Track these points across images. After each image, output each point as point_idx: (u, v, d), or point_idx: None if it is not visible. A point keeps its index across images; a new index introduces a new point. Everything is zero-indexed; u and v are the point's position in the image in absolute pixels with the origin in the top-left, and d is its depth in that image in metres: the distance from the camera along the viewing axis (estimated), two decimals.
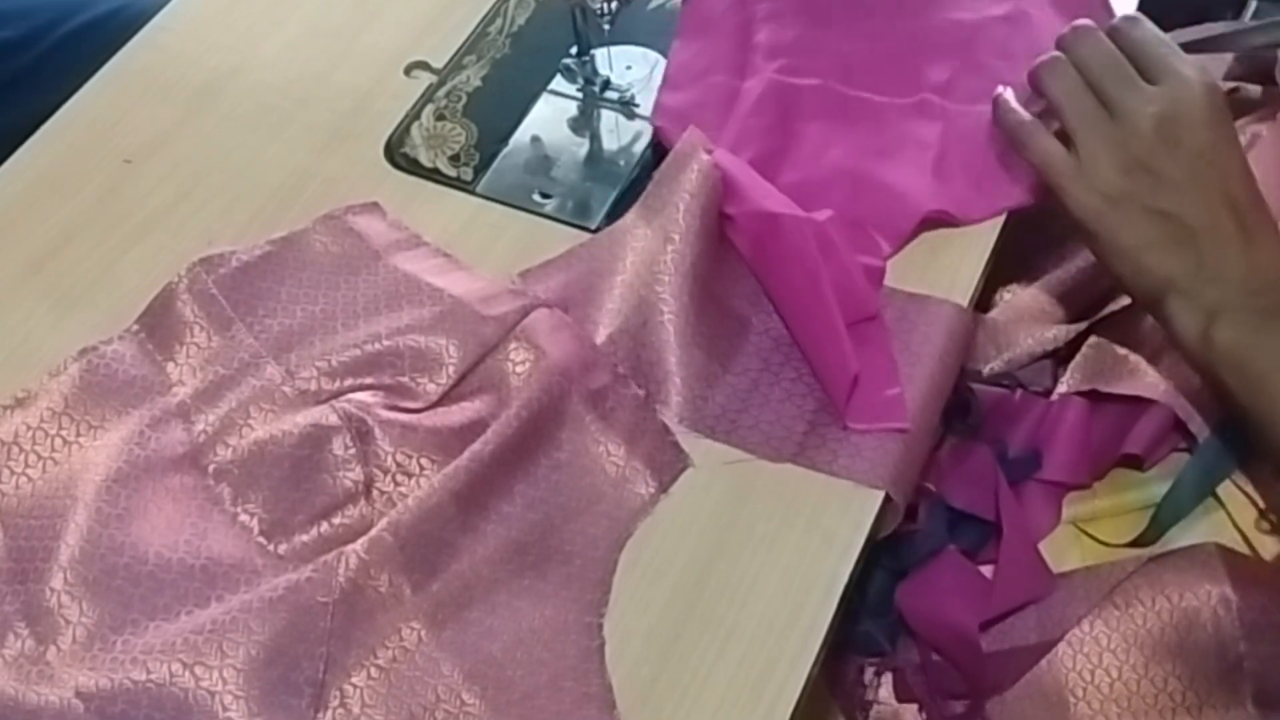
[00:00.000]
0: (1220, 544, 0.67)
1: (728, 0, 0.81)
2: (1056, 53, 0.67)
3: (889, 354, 0.66)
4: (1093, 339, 0.74)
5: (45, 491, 0.61)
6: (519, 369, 0.63)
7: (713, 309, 0.67)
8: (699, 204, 0.67)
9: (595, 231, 0.72)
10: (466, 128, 0.78)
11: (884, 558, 0.72)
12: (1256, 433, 0.63)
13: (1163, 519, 0.69)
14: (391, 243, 0.71)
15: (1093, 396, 0.73)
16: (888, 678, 0.74)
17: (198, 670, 0.54)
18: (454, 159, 0.77)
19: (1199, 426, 0.69)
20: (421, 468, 0.62)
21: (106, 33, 0.86)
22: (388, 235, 0.71)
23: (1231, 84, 0.80)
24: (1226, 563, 0.66)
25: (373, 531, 0.58)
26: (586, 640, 0.58)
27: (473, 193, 0.75)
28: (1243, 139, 0.76)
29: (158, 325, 0.68)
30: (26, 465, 0.63)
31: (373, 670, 0.57)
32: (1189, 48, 0.70)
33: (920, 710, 0.73)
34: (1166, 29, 0.77)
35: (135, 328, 0.68)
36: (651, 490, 0.63)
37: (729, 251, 0.69)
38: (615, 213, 0.72)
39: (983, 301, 0.74)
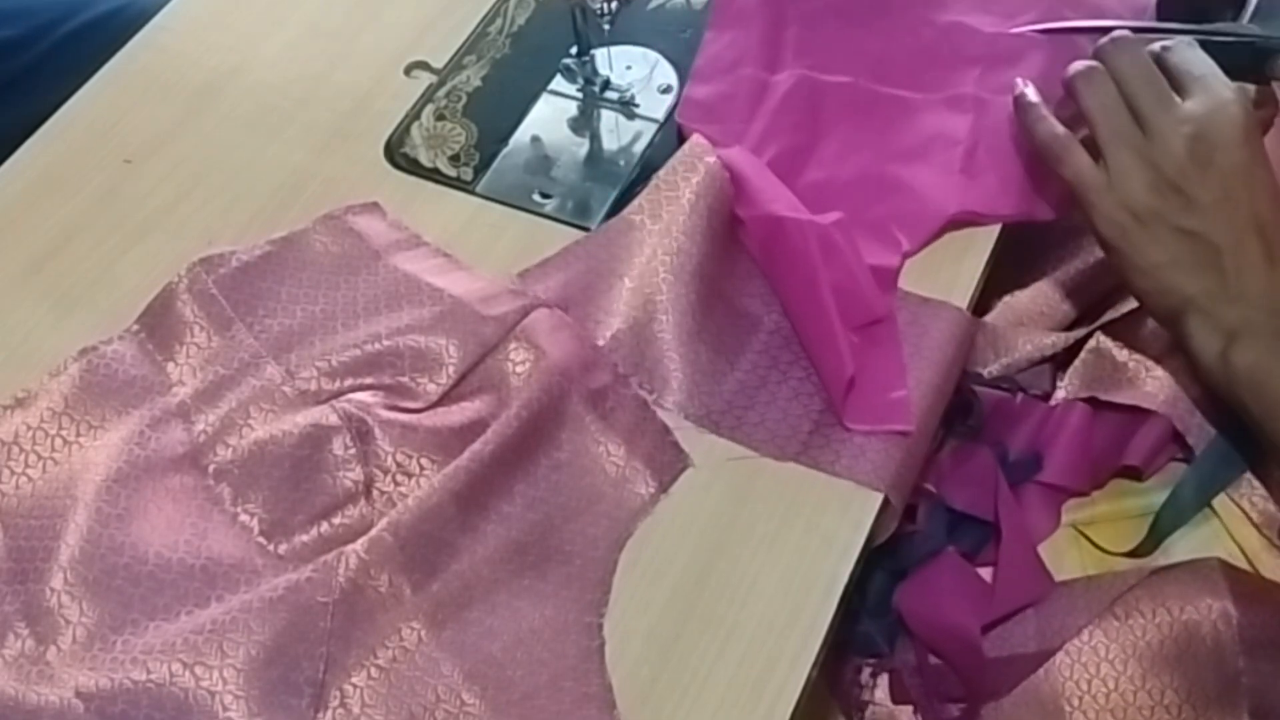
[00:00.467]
0: (1223, 559, 0.67)
1: None
2: (1093, 62, 0.66)
3: (898, 357, 0.66)
4: (1091, 344, 0.74)
5: (45, 491, 0.61)
6: (519, 369, 0.63)
7: (721, 307, 0.67)
8: (706, 204, 0.67)
9: None
10: (466, 128, 0.78)
11: (883, 559, 0.72)
12: (1274, 452, 0.64)
13: (1161, 528, 0.69)
14: (391, 243, 0.71)
15: (1093, 403, 0.73)
16: (884, 679, 0.74)
17: (198, 670, 0.54)
18: (454, 159, 0.77)
19: (1196, 438, 0.69)
20: (421, 468, 0.62)
21: (107, 32, 0.86)
22: (388, 235, 0.71)
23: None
24: (1229, 578, 0.66)
25: (373, 531, 0.58)
26: (586, 640, 0.58)
27: (473, 193, 0.75)
28: None
29: (158, 325, 0.68)
30: (26, 465, 0.63)
31: (373, 670, 0.57)
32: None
33: (916, 712, 0.73)
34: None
35: (135, 328, 0.68)
36: (651, 490, 0.63)
37: (742, 251, 0.69)
38: (615, 213, 0.72)
39: (981, 304, 0.74)
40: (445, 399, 0.64)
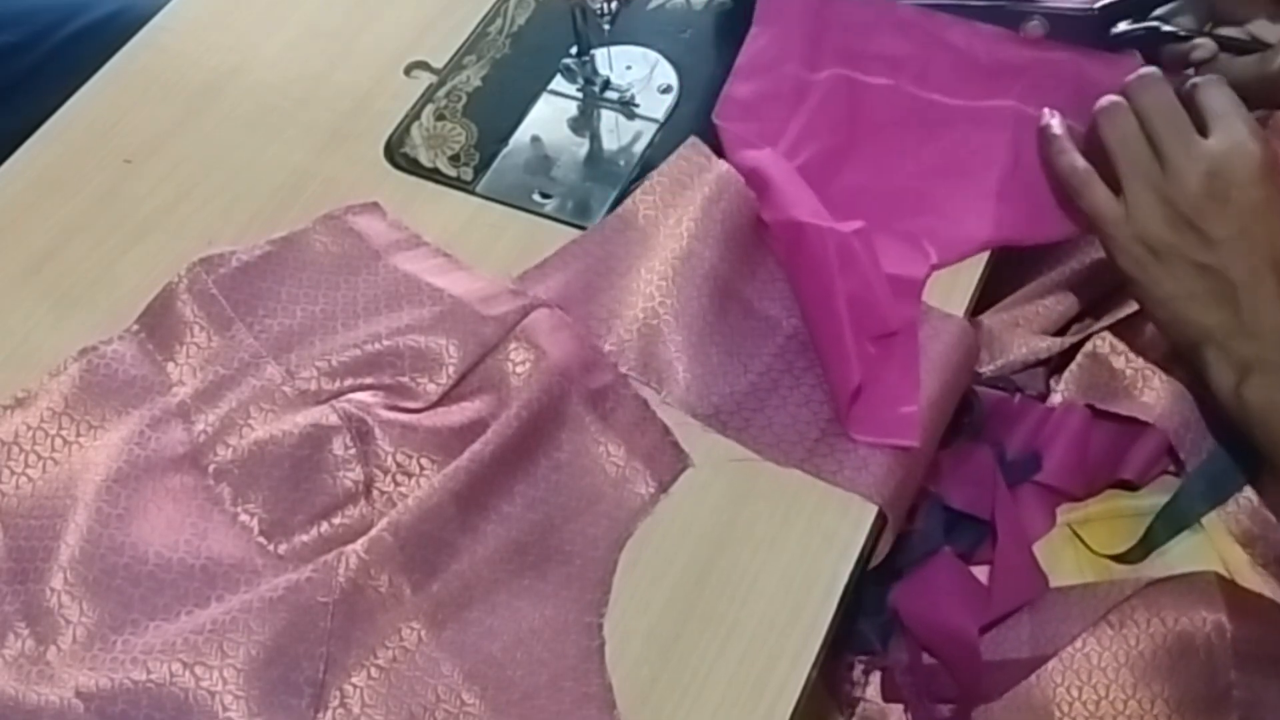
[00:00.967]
0: (1220, 574, 0.67)
1: None
2: (1118, 98, 0.67)
3: (914, 371, 0.65)
4: (1088, 349, 0.74)
5: (45, 491, 0.61)
6: (519, 369, 0.63)
7: (738, 309, 0.67)
8: (721, 209, 0.67)
9: None
10: (466, 128, 0.78)
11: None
12: None
13: (1154, 537, 0.70)
14: (391, 243, 0.71)
15: (1090, 409, 0.73)
16: (876, 676, 0.74)
17: (198, 670, 0.54)
18: (454, 159, 0.77)
19: (1189, 453, 0.69)
20: (421, 468, 0.62)
21: (106, 36, 0.85)
22: (388, 235, 0.71)
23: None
24: (1225, 591, 0.66)
25: (373, 531, 0.58)
26: (586, 640, 0.58)
27: (473, 193, 0.75)
28: None
29: (158, 325, 0.68)
30: (26, 465, 0.63)
31: (373, 670, 0.57)
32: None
33: (906, 711, 0.73)
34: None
35: (135, 328, 0.68)
36: (651, 490, 0.63)
37: (766, 255, 0.69)
38: None
39: (980, 304, 0.74)
40: (445, 399, 0.64)
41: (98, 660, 0.56)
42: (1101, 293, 0.81)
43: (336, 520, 0.61)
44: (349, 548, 0.58)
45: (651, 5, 0.84)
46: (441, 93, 0.80)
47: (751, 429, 0.64)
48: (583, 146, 0.78)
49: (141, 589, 0.58)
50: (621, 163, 0.77)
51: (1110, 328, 0.75)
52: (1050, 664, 0.68)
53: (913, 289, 0.68)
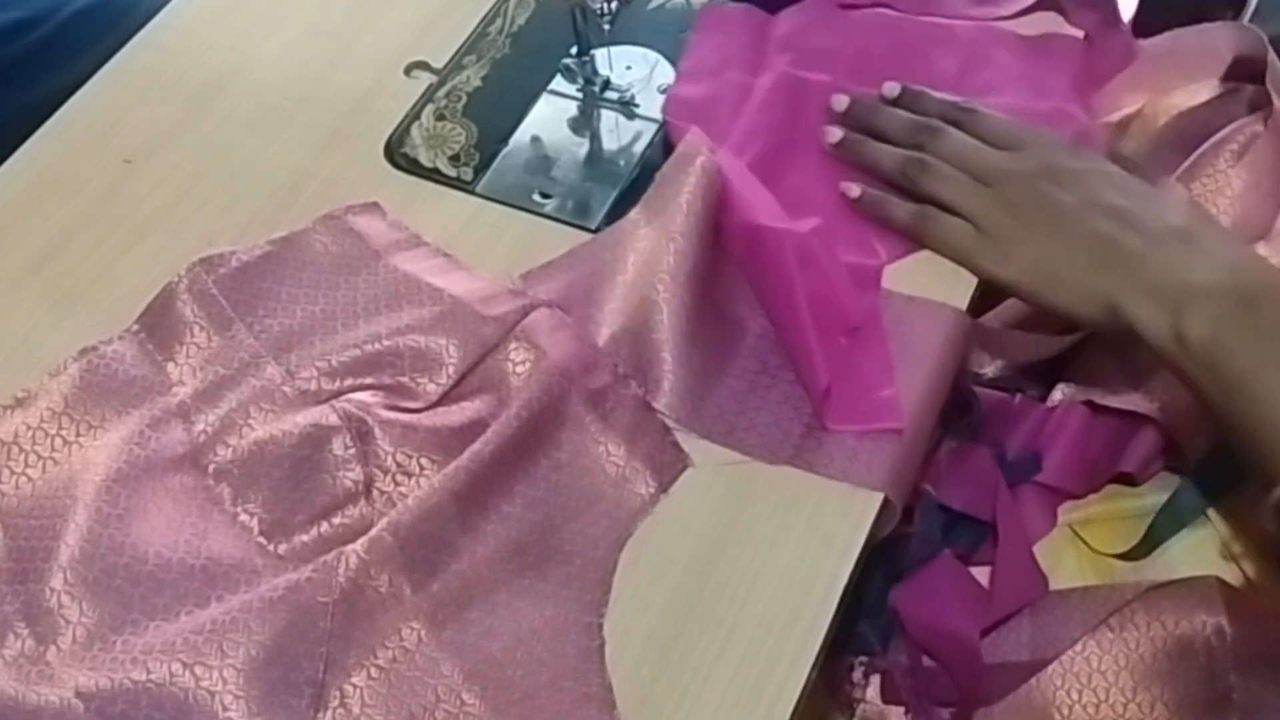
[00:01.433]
0: (1221, 578, 0.67)
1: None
2: (913, 154, 0.69)
3: (885, 355, 0.66)
4: (1089, 347, 0.74)
5: (45, 491, 0.61)
6: (519, 369, 0.63)
7: (710, 311, 0.67)
8: (701, 206, 0.67)
9: (595, 231, 0.72)
10: (466, 128, 0.78)
11: (879, 559, 0.72)
12: (1235, 439, 0.60)
13: (1157, 534, 0.70)
14: (391, 243, 0.71)
15: (1090, 407, 0.73)
16: (876, 678, 0.74)
17: (198, 670, 0.54)
18: (454, 159, 0.77)
19: (1190, 447, 0.69)
20: (421, 468, 0.62)
21: (113, 12, 0.85)
22: (388, 235, 0.71)
23: (1230, 84, 0.80)
24: (1226, 596, 0.66)
25: (373, 531, 0.58)
26: (586, 640, 0.58)
27: (473, 193, 0.75)
28: (1240, 138, 0.77)
29: (158, 325, 0.68)
30: (26, 465, 0.63)
31: (373, 670, 0.57)
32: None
33: (906, 713, 0.73)
34: (1166, 29, 0.77)
35: (135, 328, 0.68)
36: (651, 490, 0.63)
37: (726, 257, 0.69)
38: (615, 213, 0.72)
39: (982, 305, 0.74)
40: (445, 399, 0.64)
41: (98, 660, 0.56)
42: None
43: (336, 520, 0.61)
44: (349, 548, 0.58)
45: (651, 5, 0.84)
46: (441, 93, 0.80)
47: (737, 432, 0.64)
48: (583, 146, 0.78)
49: (141, 589, 0.58)
50: (621, 163, 0.77)
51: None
52: (1050, 667, 0.68)
53: (869, 276, 0.69)
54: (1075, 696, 0.67)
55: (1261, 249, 0.72)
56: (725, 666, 0.57)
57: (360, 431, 0.62)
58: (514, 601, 0.59)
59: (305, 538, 0.60)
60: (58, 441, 0.63)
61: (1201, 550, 0.70)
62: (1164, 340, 0.60)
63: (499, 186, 0.75)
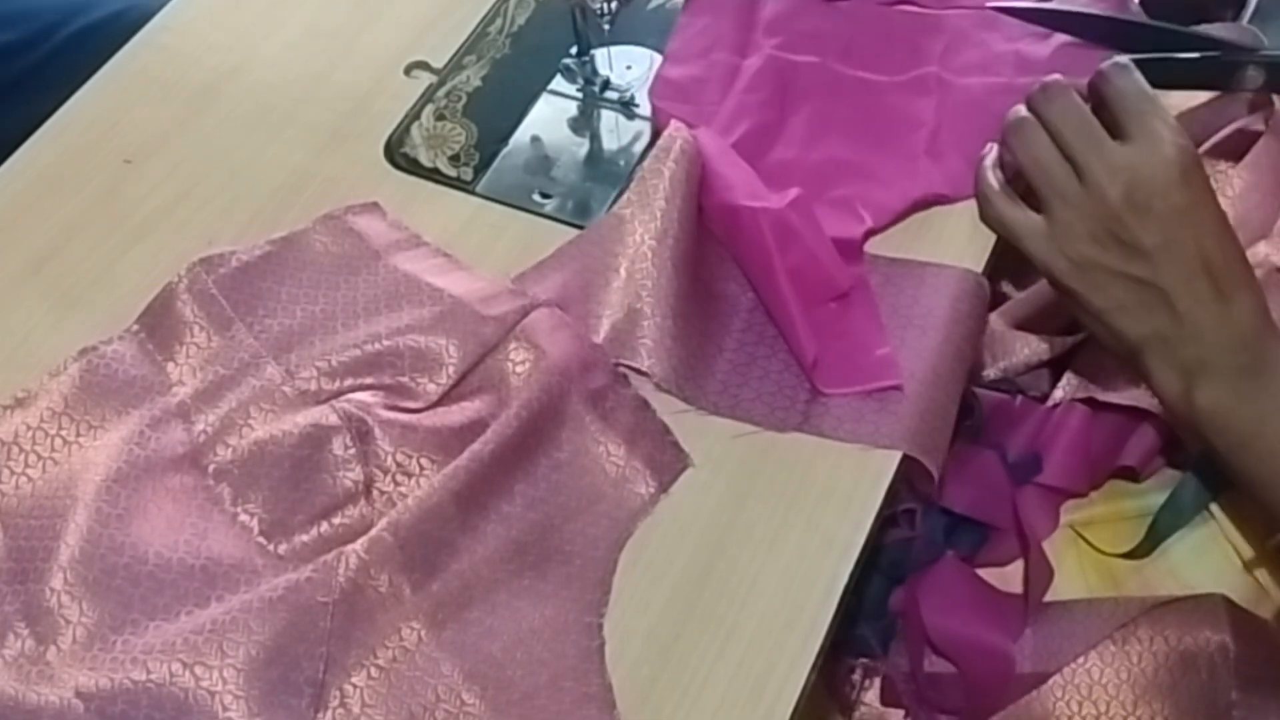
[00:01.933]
0: (1227, 595, 0.67)
1: None
2: (1025, 114, 0.64)
3: (874, 317, 0.67)
4: (1090, 345, 0.74)
5: (45, 491, 0.61)
6: (519, 369, 0.63)
7: (702, 291, 0.68)
8: (686, 189, 0.67)
9: None
10: (466, 128, 0.78)
11: (881, 563, 0.72)
12: (1246, 490, 0.62)
13: (1159, 531, 0.70)
14: (391, 243, 0.71)
15: (1091, 404, 0.73)
16: (876, 680, 0.74)
17: (198, 670, 0.54)
18: (454, 159, 0.77)
19: (1191, 441, 0.69)
20: (421, 468, 0.62)
21: (109, 36, 0.85)
22: (388, 235, 0.71)
23: None
24: (1231, 614, 0.66)
25: (373, 531, 0.58)
26: (586, 640, 0.58)
27: (473, 193, 0.75)
28: (1240, 139, 0.77)
29: (158, 325, 0.68)
30: (26, 465, 0.63)
31: (373, 670, 0.57)
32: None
33: (905, 717, 0.73)
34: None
35: (135, 328, 0.68)
36: (651, 490, 0.63)
37: (710, 236, 0.70)
38: None
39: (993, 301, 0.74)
40: (445, 399, 0.64)
41: (98, 660, 0.56)
42: None
43: (336, 520, 0.61)
44: (349, 548, 0.58)
45: (651, 5, 0.84)
46: (441, 93, 0.80)
47: (742, 404, 0.64)
48: (583, 146, 0.78)
49: (141, 589, 0.58)
50: (621, 163, 0.77)
51: None
52: (1051, 678, 0.68)
53: (852, 248, 0.69)
54: (1075, 708, 0.67)
55: (1262, 248, 0.72)
56: (725, 666, 0.57)
57: (360, 431, 0.62)
58: (514, 601, 0.59)
59: (305, 538, 0.60)
60: (58, 441, 0.63)
61: (1204, 550, 0.70)
62: (1175, 400, 0.62)
63: (499, 186, 0.75)
